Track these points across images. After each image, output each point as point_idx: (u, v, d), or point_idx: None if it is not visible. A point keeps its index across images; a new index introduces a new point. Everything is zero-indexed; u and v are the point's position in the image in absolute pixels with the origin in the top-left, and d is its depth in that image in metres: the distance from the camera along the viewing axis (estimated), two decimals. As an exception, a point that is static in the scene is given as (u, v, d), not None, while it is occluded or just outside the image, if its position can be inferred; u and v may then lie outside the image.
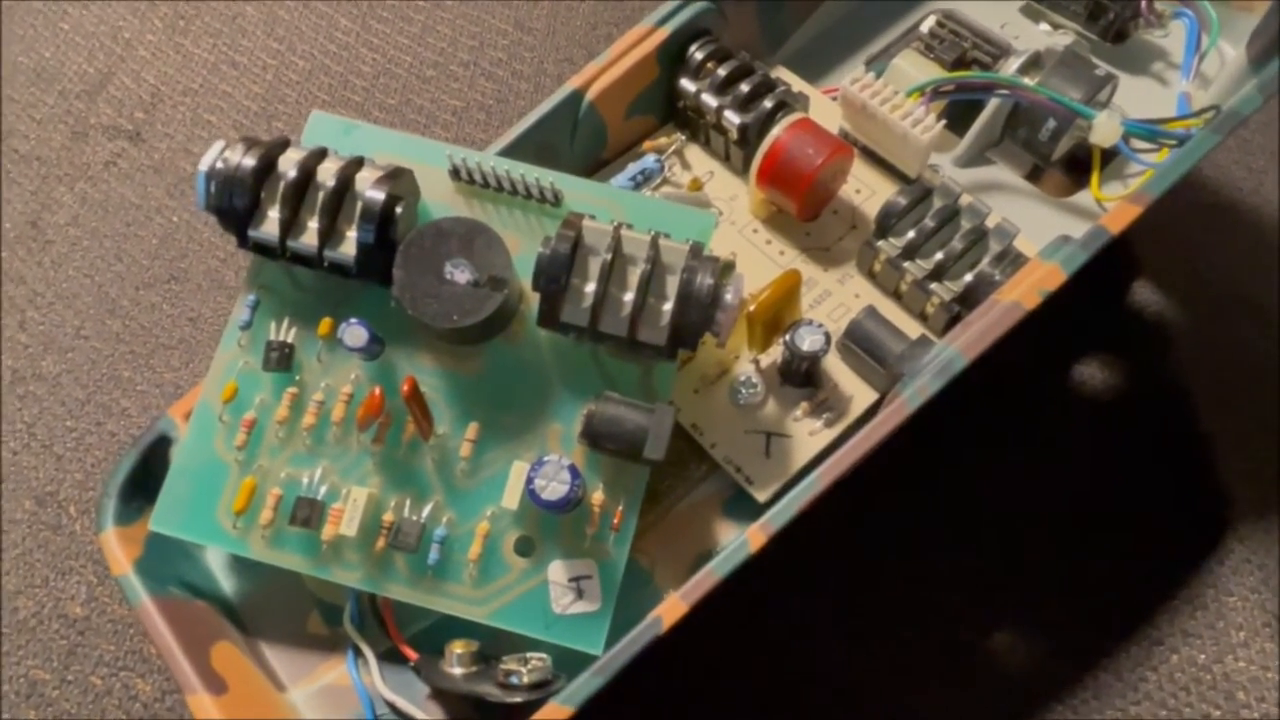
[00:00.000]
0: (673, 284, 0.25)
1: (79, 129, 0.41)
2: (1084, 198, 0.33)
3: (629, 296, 0.25)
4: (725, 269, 0.26)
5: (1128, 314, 0.36)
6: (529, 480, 0.25)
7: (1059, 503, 0.33)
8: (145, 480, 0.28)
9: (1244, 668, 0.31)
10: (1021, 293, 0.26)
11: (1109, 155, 0.33)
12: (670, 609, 0.24)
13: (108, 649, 0.32)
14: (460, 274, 0.25)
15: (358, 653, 0.27)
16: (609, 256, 0.25)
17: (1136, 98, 0.34)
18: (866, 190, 0.32)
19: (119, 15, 0.44)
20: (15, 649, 0.32)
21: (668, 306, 0.25)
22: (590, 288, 0.25)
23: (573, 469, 0.25)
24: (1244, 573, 0.32)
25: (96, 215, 0.40)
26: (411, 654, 0.26)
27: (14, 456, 0.35)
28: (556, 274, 0.25)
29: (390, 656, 0.27)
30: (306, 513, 0.26)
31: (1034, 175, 0.34)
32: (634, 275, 0.25)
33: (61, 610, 0.32)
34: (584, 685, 0.24)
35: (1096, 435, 0.34)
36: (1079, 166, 0.34)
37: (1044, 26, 0.36)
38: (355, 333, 0.25)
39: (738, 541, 0.24)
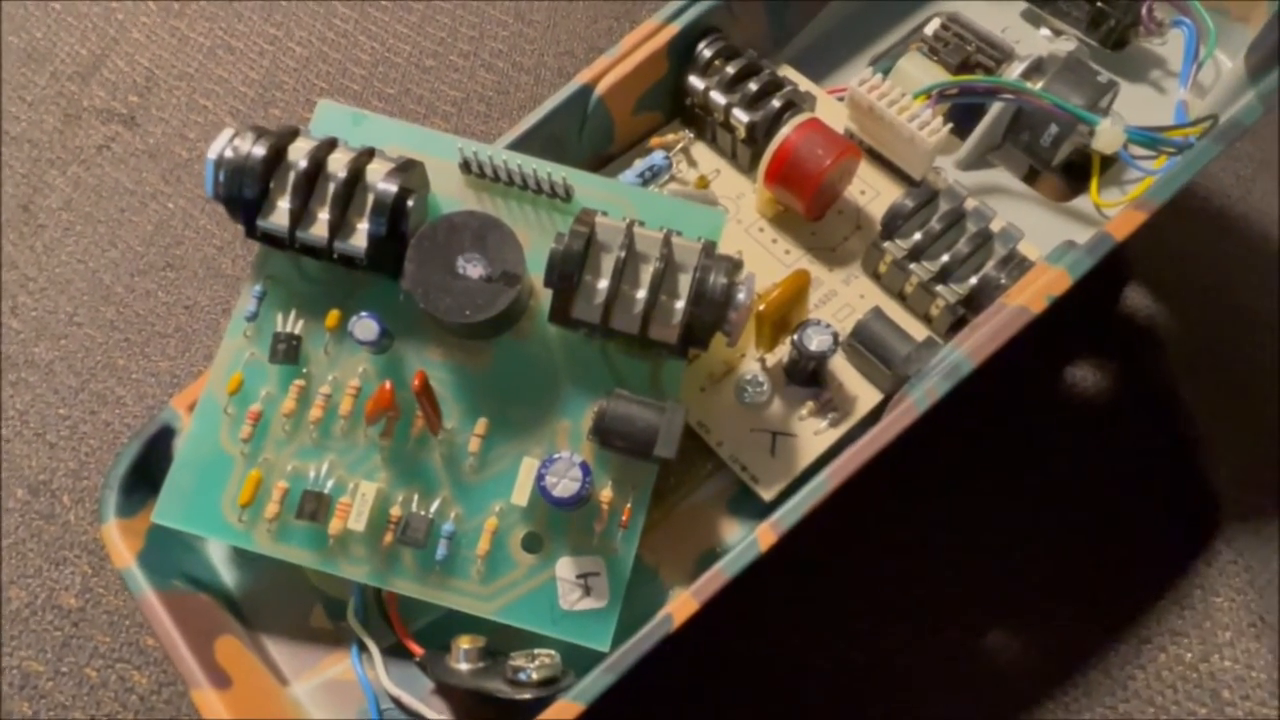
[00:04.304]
0: (685, 282, 0.25)
1: (72, 112, 0.41)
2: (1082, 203, 0.33)
3: (641, 294, 0.25)
4: (736, 268, 0.26)
5: (1119, 319, 0.37)
6: (540, 477, 0.25)
7: (1049, 503, 0.33)
8: (147, 472, 0.27)
9: (1229, 667, 0.31)
10: (1028, 297, 0.26)
11: (1106, 161, 0.33)
12: (681, 607, 0.24)
13: (103, 640, 0.32)
14: (473, 268, 0.25)
15: (362, 647, 0.27)
16: (622, 254, 0.25)
17: (1134, 105, 0.34)
18: (871, 191, 0.32)
19: (112, -4, 0.44)
20: (8, 640, 0.31)
21: (680, 304, 0.25)
22: (603, 284, 0.25)
23: (584, 466, 0.25)
24: (1231, 574, 0.32)
25: (90, 200, 0.39)
26: (417, 649, 0.26)
27: (6, 444, 0.34)
28: (570, 270, 0.25)
29: (395, 651, 0.27)
30: (313, 506, 0.26)
31: (1029, 179, 0.34)
32: (646, 273, 0.25)
33: (55, 601, 0.32)
34: (595, 682, 0.24)
35: (1087, 438, 0.34)
36: (1073, 171, 0.34)
37: (1044, 31, 0.36)
38: (366, 326, 0.25)
39: (747, 541, 0.25)
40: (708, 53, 0.32)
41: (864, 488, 0.28)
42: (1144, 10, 0.34)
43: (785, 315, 0.28)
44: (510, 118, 0.41)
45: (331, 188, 0.26)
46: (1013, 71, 0.33)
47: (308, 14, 0.43)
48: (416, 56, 0.43)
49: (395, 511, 0.26)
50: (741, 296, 0.25)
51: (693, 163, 0.33)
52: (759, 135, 0.31)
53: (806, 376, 0.29)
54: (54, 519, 0.33)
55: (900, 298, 0.30)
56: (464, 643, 0.26)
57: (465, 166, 0.27)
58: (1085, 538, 0.33)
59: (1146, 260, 0.37)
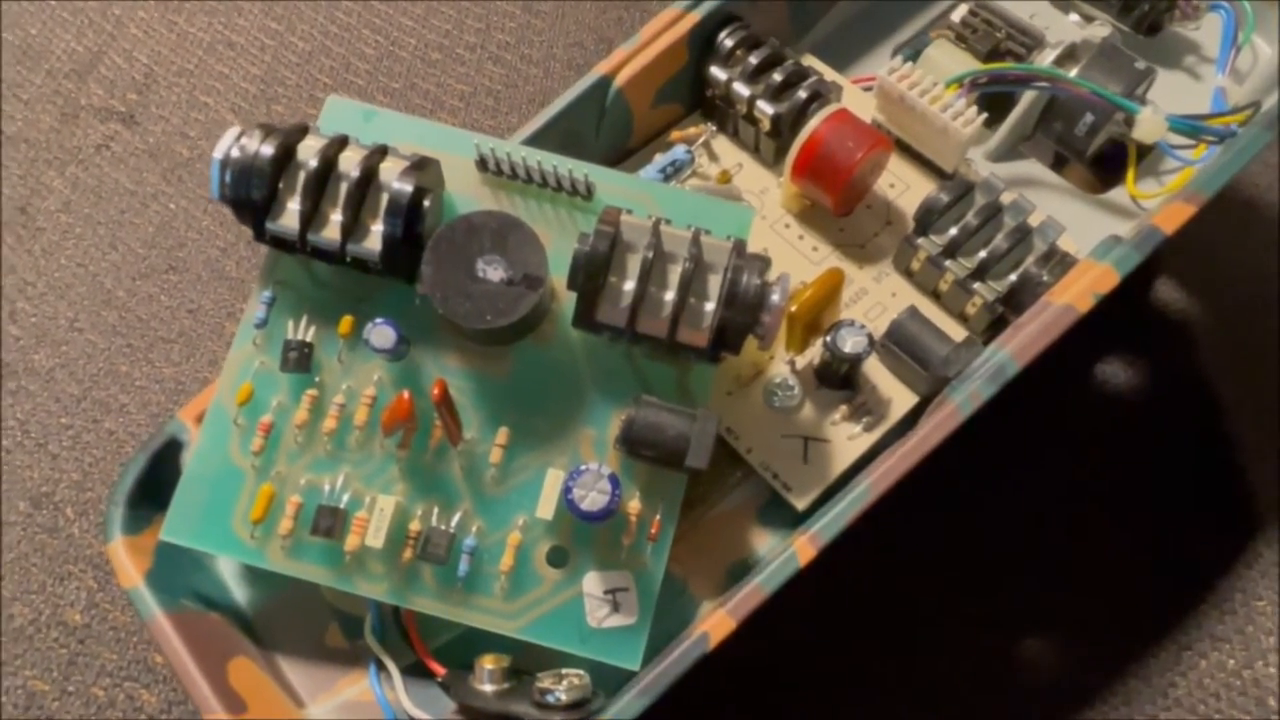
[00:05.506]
0: (715, 283, 0.24)
1: (69, 110, 0.40)
2: (1114, 194, 0.32)
3: (669, 296, 0.24)
4: (768, 267, 0.25)
5: (1150, 313, 0.36)
6: (566, 490, 0.24)
7: (1082, 506, 0.32)
8: (154, 487, 0.26)
9: (1274, 673, 0.30)
10: (1074, 295, 0.25)
11: (1140, 151, 0.32)
12: (717, 625, 0.23)
13: (110, 658, 0.31)
14: (494, 271, 0.24)
15: (380, 666, 0.26)
16: (649, 253, 0.24)
17: (1168, 92, 0.33)
18: (901, 185, 0.31)
19: (109, -10, 0.42)
20: (12, 659, 0.30)
21: (710, 306, 0.24)
22: (629, 286, 0.24)
23: (613, 478, 0.24)
24: (1272, 576, 0.31)
25: (89, 201, 0.38)
26: (439, 669, 0.25)
27: (7, 455, 0.33)
28: (595, 272, 0.24)
29: (415, 670, 0.26)
30: (329, 522, 0.24)
31: (1056, 169, 0.33)
32: (674, 273, 0.24)
33: (60, 617, 0.31)
34: (628, 706, 0.23)
35: (1120, 436, 0.33)
36: (1100, 161, 0.33)
37: (1074, 17, 0.35)
38: (383, 333, 0.24)
39: (786, 554, 0.24)
40: (729, 42, 0.31)
41: (891, 489, 0.27)
42: (1180, -6, 0.33)
43: (817, 316, 0.27)
44: (519, 112, 0.40)
45: (344, 188, 0.24)
46: (1046, 59, 0.31)
47: (309, 8, 0.42)
48: (422, 50, 0.41)
49: (414, 526, 0.25)
50: (775, 297, 0.24)
51: (714, 157, 0.32)
52: (784, 128, 0.30)
53: (839, 379, 0.28)
54: (57, 532, 0.32)
55: (934, 296, 0.29)
56: (488, 662, 0.25)
57: (482, 164, 0.26)
58: (1120, 540, 0.32)
59: (1174, 252, 0.36)
